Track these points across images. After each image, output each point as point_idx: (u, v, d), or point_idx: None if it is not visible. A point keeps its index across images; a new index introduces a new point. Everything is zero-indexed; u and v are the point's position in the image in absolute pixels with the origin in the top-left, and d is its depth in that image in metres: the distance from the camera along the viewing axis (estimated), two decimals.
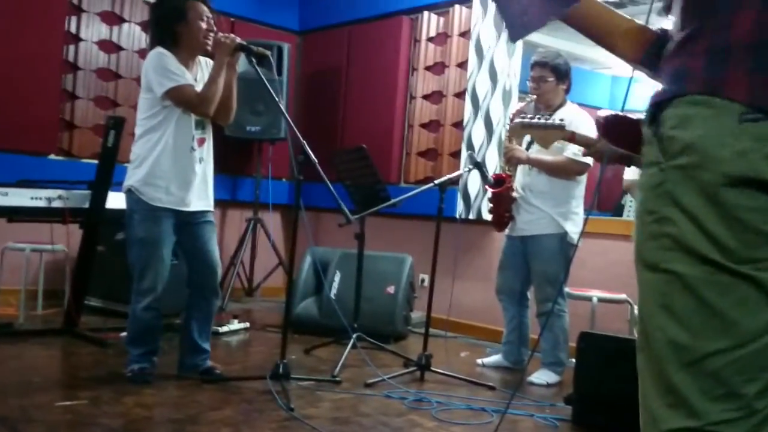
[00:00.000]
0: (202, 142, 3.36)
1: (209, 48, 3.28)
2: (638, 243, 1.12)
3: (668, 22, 1.19)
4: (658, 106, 1.10)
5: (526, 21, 1.11)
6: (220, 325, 4.59)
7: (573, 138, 3.15)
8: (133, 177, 3.29)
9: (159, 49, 3.26)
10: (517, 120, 3.07)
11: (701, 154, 1.01)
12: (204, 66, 3.40)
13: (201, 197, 3.38)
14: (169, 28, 3.26)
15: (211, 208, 3.46)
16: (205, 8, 3.29)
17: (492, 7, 5.09)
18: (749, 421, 1.02)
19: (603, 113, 1.36)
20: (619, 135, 1.40)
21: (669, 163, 1.05)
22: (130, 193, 3.30)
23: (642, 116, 1.24)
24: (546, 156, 3.90)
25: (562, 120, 2.87)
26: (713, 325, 1.02)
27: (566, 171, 3.89)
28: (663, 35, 1.29)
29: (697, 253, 1.02)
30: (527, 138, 4.12)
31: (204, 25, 3.28)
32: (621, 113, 1.36)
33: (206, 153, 3.39)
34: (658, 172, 1.06)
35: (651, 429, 1.09)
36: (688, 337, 1.04)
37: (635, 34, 1.33)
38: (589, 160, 3.90)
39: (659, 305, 1.07)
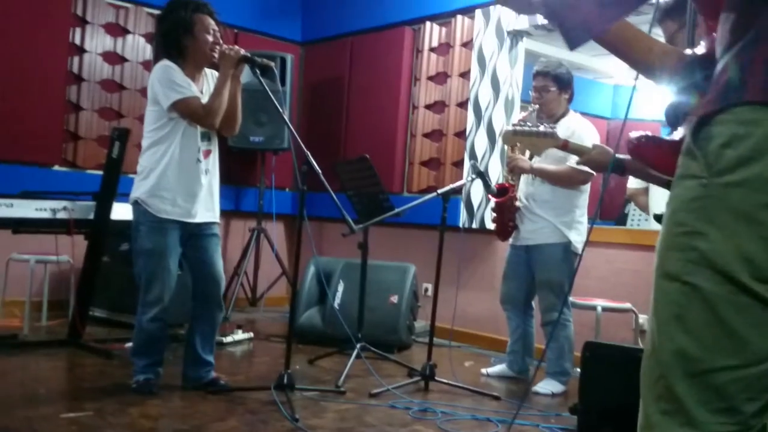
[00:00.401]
0: (208, 153, 3.38)
1: (215, 60, 3.30)
2: (661, 251, 1.11)
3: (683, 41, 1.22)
4: (706, 117, 1.08)
5: (587, 28, 1.13)
6: (224, 336, 4.59)
7: (566, 146, 3.15)
8: (139, 189, 3.31)
9: (165, 62, 3.28)
10: (508, 128, 3.09)
11: (748, 173, 1.01)
12: (210, 78, 3.42)
13: (207, 208, 3.39)
14: (176, 40, 3.28)
15: (217, 220, 3.47)
16: (211, 21, 3.31)
17: (494, 17, 5.11)
18: None
19: (634, 135, 1.38)
20: (652, 157, 1.42)
21: (714, 180, 1.04)
22: (136, 205, 3.31)
23: (674, 137, 1.25)
24: (549, 165, 3.91)
25: (553, 127, 2.87)
26: (725, 342, 1.03)
27: (570, 180, 3.89)
28: (696, 56, 1.31)
29: (724, 272, 1.02)
30: None
31: (210, 38, 3.29)
32: (653, 135, 1.38)
33: (212, 165, 3.41)
34: (698, 186, 1.06)
35: None
36: (698, 349, 1.04)
37: (671, 56, 1.36)
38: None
39: (673, 315, 1.07)
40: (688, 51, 1.37)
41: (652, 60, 1.37)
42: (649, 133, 1.39)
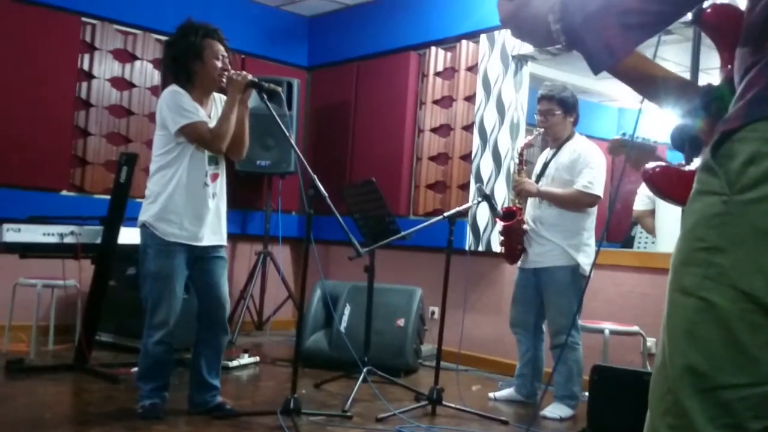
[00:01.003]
0: (215, 177, 3.39)
1: (223, 85, 3.33)
2: (678, 266, 1.11)
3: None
4: (728, 134, 1.08)
5: (611, 52, 1.13)
6: (230, 360, 4.57)
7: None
8: (147, 212, 3.32)
9: (173, 87, 3.31)
10: (617, 137, 3.09)
11: None
12: (219, 103, 3.45)
13: (214, 232, 3.40)
14: (185, 66, 3.31)
15: (224, 243, 3.47)
16: (220, 47, 3.35)
17: (499, 42, 5.15)
18: None
19: (651, 165, 1.39)
20: (667, 186, 1.43)
21: (735, 197, 1.04)
22: (144, 228, 3.33)
23: (691, 167, 1.25)
24: (556, 189, 3.92)
25: (656, 142, 2.88)
26: (736, 360, 1.03)
27: (577, 203, 3.89)
28: (711, 87, 1.32)
29: (743, 290, 1.02)
30: (536, 171, 4.14)
31: (219, 64, 3.33)
32: (669, 164, 1.39)
33: (219, 188, 3.42)
34: (719, 203, 1.05)
35: None
36: (708, 366, 1.05)
37: (686, 88, 1.37)
38: (600, 192, 3.91)
39: (685, 330, 1.07)
40: (703, 84, 1.38)
41: (670, 92, 1.38)
42: (665, 163, 1.40)
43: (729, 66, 1.25)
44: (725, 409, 1.04)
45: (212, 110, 3.41)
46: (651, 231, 5.20)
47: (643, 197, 5.11)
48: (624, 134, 3.20)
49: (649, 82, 1.38)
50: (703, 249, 1.06)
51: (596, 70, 1.16)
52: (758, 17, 1.09)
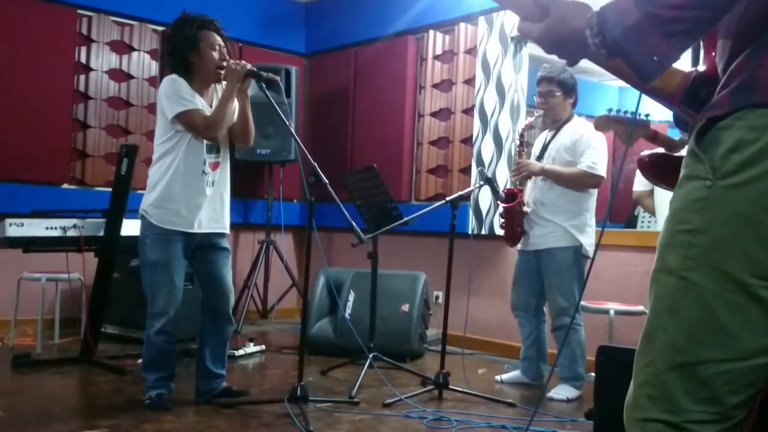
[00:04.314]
0: (215, 166, 3.38)
1: (222, 77, 3.31)
2: (662, 246, 1.17)
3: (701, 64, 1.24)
4: (713, 121, 1.12)
5: (658, 60, 1.15)
6: (236, 349, 4.59)
7: (655, 137, 3.11)
8: (146, 201, 3.34)
9: (172, 75, 3.32)
10: (603, 113, 3.08)
11: (753, 177, 1.05)
12: (220, 93, 3.43)
13: (216, 219, 3.39)
14: (182, 58, 3.30)
15: (225, 231, 3.46)
16: (217, 38, 3.33)
17: (497, 24, 5.11)
18: (722, 424, 1.11)
19: (646, 153, 1.42)
20: (662, 174, 1.46)
21: (719, 182, 1.08)
22: (142, 217, 3.34)
23: (682, 154, 1.27)
24: (561, 167, 3.91)
25: (647, 116, 2.86)
26: (715, 336, 1.09)
27: (580, 183, 3.88)
28: (699, 74, 1.36)
29: (723, 270, 1.07)
30: (535, 152, 4.13)
31: (216, 55, 3.31)
32: (663, 152, 1.41)
33: (220, 176, 3.41)
34: (703, 188, 1.10)
35: (630, 413, 1.18)
36: (688, 342, 1.11)
37: (673, 76, 1.40)
38: (603, 172, 3.90)
39: (667, 307, 1.14)
40: (690, 69, 1.39)
41: (654, 82, 1.39)
42: (659, 151, 1.43)
43: (713, 53, 1.26)
44: (703, 383, 1.10)
45: (213, 101, 3.39)
46: (651, 211, 5.19)
47: (641, 178, 5.10)
48: (610, 110, 3.19)
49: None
50: (685, 231, 1.12)
51: (646, 81, 1.19)
52: (742, 7, 1.12)
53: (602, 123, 3.29)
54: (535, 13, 1.26)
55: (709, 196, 1.09)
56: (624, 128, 3.05)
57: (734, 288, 1.07)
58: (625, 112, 3.15)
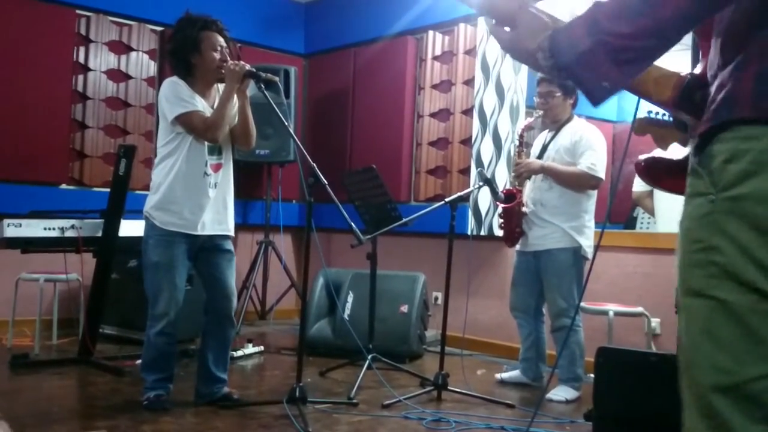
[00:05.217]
0: (218, 167, 3.38)
1: (223, 77, 3.31)
2: (682, 269, 1.14)
3: (697, 66, 1.24)
4: (705, 136, 1.12)
5: (609, 85, 1.16)
6: (235, 350, 4.57)
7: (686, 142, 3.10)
8: (149, 203, 3.34)
9: (172, 78, 3.32)
10: (642, 116, 3.06)
11: (752, 186, 1.05)
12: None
13: (219, 222, 3.39)
14: (184, 58, 3.31)
15: (229, 233, 3.46)
16: (219, 38, 3.33)
17: None
18: None
19: (642, 157, 1.42)
20: (659, 177, 1.46)
21: (720, 195, 1.08)
22: (146, 219, 3.34)
23: (678, 157, 1.27)
24: (562, 166, 3.90)
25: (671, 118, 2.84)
26: (756, 351, 1.05)
27: (580, 183, 3.88)
28: (693, 78, 1.35)
29: (744, 282, 1.05)
30: (534, 153, 4.12)
31: (217, 56, 3.31)
32: (659, 156, 1.42)
33: (222, 178, 3.40)
34: (706, 203, 1.10)
35: None
36: (731, 362, 1.06)
37: (667, 80, 1.40)
38: (602, 174, 3.89)
39: (702, 331, 1.09)
40: (685, 72, 1.39)
41: (648, 86, 1.41)
42: (656, 154, 1.43)
43: (707, 58, 1.26)
44: (755, 402, 1.05)
45: (215, 101, 3.39)
46: (650, 212, 5.19)
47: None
48: (650, 112, 3.17)
49: (636, 83, 1.40)
50: (700, 250, 1.10)
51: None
52: (734, 16, 1.12)
53: (642, 126, 3.28)
54: (506, 21, 1.28)
55: (714, 210, 1.08)
56: (661, 132, 3.04)
57: (761, 299, 1.04)
58: (663, 115, 3.15)
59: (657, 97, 1.42)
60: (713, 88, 1.15)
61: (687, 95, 1.35)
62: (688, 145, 1.37)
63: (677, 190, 1.24)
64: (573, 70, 1.17)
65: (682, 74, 1.40)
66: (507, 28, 1.29)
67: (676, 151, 1.53)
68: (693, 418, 1.12)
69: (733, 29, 1.12)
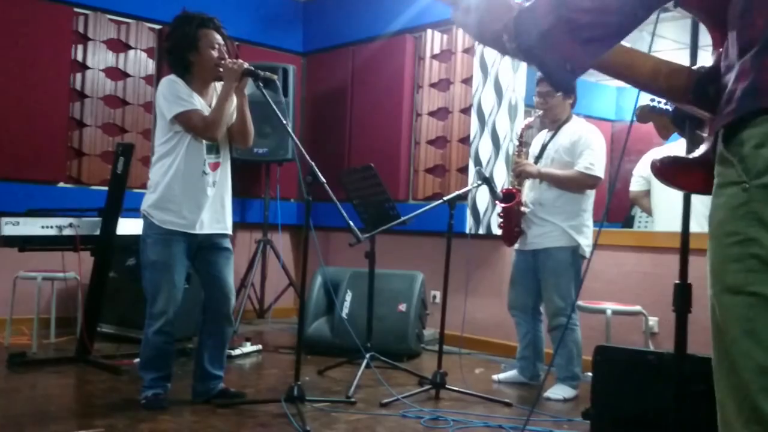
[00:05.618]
0: (216, 166, 3.38)
1: (221, 75, 3.31)
2: (716, 266, 1.07)
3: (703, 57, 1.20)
4: (733, 125, 1.06)
5: (572, 67, 1.10)
6: (233, 349, 4.57)
7: None
8: (147, 201, 3.33)
9: (170, 76, 3.32)
10: (645, 103, 3.05)
11: None
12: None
13: (217, 220, 3.39)
14: (181, 56, 3.30)
15: (228, 231, 3.46)
16: (217, 36, 3.33)
17: None
18: None
19: (658, 157, 1.37)
20: (676, 177, 1.40)
21: (754, 182, 1.01)
22: (144, 217, 3.34)
23: (695, 155, 1.23)
24: (557, 170, 3.91)
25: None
26: None
27: (578, 184, 3.88)
28: (705, 71, 1.30)
29: None
30: (534, 152, 4.12)
31: (215, 54, 3.30)
32: (675, 155, 1.37)
33: (220, 177, 3.40)
34: (740, 192, 1.03)
35: None
36: None
37: (678, 75, 1.33)
38: (601, 173, 3.89)
39: (744, 331, 1.02)
40: (696, 66, 1.35)
41: (660, 83, 1.34)
42: (672, 154, 1.37)
43: (720, 49, 1.23)
44: None
45: (213, 100, 3.39)
46: (647, 211, 5.18)
47: (638, 178, 5.10)
48: (653, 99, 3.15)
49: (646, 78, 1.35)
50: (737, 243, 1.02)
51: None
52: (746, 3, 1.08)
53: (645, 114, 3.27)
54: (464, 7, 1.22)
55: (750, 199, 1.01)
56: (663, 121, 3.02)
57: None
58: (666, 102, 3.13)
59: (670, 94, 1.37)
60: (732, 77, 1.09)
61: (701, 89, 1.28)
62: (705, 139, 1.33)
63: (695, 189, 1.18)
64: (535, 52, 1.12)
65: (693, 68, 1.34)
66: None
67: (679, 150, 1.50)
68: (735, 426, 1.04)
69: (747, 17, 1.07)
